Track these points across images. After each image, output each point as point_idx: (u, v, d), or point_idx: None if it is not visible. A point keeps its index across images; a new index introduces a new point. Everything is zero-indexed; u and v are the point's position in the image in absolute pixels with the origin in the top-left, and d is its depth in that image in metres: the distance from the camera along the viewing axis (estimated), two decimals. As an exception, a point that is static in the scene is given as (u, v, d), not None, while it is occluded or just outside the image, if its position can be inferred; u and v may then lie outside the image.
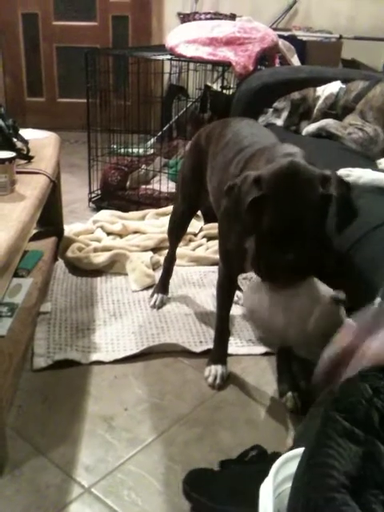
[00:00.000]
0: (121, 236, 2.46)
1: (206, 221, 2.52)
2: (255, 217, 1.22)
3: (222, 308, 1.63)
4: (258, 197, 1.20)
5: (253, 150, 1.43)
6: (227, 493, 1.15)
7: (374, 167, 1.66)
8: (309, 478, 0.71)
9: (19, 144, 1.81)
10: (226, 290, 1.62)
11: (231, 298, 1.65)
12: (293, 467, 0.83)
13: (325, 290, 1.26)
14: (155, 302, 1.99)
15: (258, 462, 1.24)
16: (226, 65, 2.57)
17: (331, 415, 0.76)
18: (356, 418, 0.73)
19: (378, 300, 0.92)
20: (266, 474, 1.09)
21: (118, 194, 2.86)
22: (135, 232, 2.47)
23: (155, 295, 2.01)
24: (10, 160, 1.54)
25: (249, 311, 1.41)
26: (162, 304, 2.00)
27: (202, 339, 1.79)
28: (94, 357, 1.68)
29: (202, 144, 1.73)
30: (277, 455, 1.22)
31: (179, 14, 3.70)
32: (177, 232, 1.97)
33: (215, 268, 1.87)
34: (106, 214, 2.62)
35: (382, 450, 0.70)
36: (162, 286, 2.03)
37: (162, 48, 2.87)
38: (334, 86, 2.15)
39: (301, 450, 0.83)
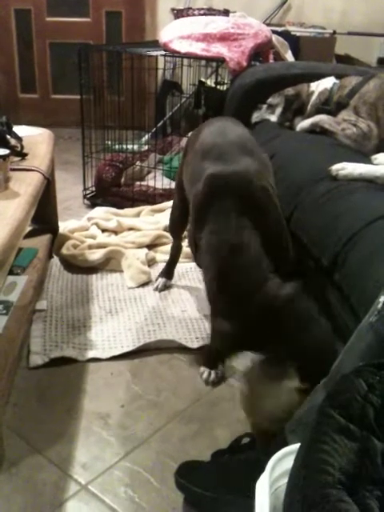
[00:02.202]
0: (116, 233, 2.45)
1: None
2: None
3: None
4: None
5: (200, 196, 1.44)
6: (217, 481, 1.16)
7: (369, 163, 1.66)
8: (305, 474, 0.72)
9: (13, 141, 1.80)
10: None
11: None
12: (289, 463, 0.83)
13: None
14: (158, 285, 2.07)
15: (248, 450, 1.25)
16: (219, 61, 2.57)
17: (326, 411, 0.76)
18: (351, 414, 0.74)
19: (382, 298, 0.91)
20: (254, 461, 1.10)
21: (112, 190, 2.85)
22: (130, 229, 2.47)
23: (159, 279, 2.08)
24: (4, 157, 1.53)
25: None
26: (165, 288, 2.07)
27: (198, 335, 1.79)
28: (91, 354, 1.68)
29: (188, 148, 1.76)
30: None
31: (173, 9, 3.70)
32: (176, 229, 2.00)
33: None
34: (100, 211, 2.61)
35: (376, 446, 0.70)
36: (167, 272, 2.10)
37: (155, 44, 2.86)
38: (328, 82, 2.15)
39: (297, 445, 0.83)
